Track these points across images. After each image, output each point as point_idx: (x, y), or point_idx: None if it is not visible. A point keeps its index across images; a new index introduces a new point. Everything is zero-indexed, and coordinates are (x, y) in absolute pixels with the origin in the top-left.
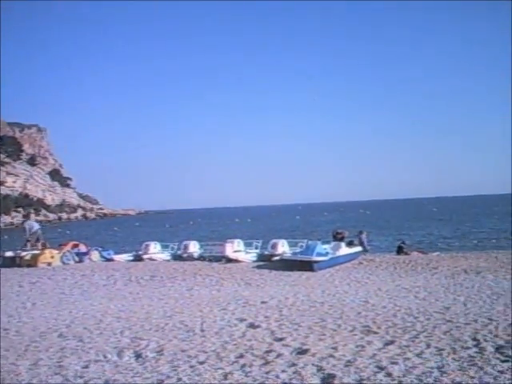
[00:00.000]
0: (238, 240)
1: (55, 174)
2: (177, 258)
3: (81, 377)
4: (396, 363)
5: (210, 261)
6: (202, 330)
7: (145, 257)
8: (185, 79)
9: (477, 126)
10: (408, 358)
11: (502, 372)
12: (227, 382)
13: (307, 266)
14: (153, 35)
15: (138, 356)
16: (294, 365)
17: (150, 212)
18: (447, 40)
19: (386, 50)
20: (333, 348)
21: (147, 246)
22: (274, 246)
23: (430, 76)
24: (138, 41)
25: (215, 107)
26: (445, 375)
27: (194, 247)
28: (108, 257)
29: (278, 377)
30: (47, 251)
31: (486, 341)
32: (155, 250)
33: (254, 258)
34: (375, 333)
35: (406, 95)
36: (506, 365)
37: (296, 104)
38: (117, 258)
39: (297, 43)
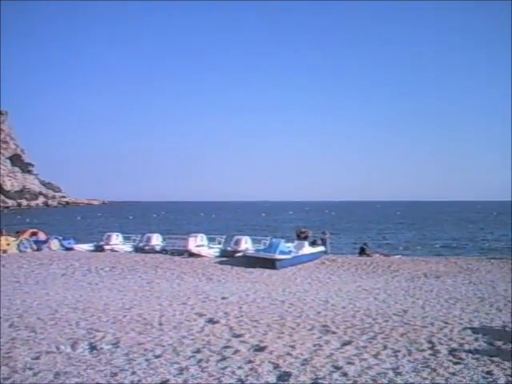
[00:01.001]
0: (202, 235)
1: (16, 160)
2: (139, 250)
3: (30, 368)
4: (352, 363)
5: (172, 254)
6: (160, 324)
7: (106, 247)
8: (144, 59)
9: (453, 129)
10: (364, 359)
11: (453, 374)
12: (182, 376)
13: (269, 264)
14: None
15: (92, 348)
16: (250, 362)
17: (114, 203)
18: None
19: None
20: (290, 346)
21: (109, 236)
22: (237, 243)
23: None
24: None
25: (186, 96)
26: (399, 376)
27: (157, 240)
28: (68, 246)
29: (234, 373)
30: (3, 238)
31: (440, 344)
32: (117, 241)
33: (217, 254)
34: (333, 333)
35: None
36: (457, 367)
37: (269, 100)
38: (77, 247)
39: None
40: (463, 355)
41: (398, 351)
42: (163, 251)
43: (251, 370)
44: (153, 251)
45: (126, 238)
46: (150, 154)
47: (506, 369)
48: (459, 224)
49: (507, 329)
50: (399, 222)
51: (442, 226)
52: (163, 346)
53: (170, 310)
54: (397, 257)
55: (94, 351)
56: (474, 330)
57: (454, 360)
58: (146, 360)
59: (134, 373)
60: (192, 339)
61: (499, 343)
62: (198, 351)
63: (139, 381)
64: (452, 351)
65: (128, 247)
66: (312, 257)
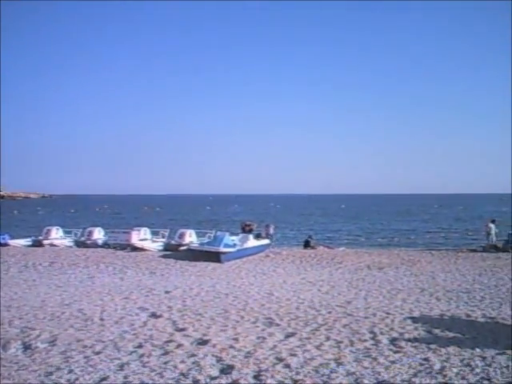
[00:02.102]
0: (145, 228)
1: None
2: (80, 244)
3: None
4: (295, 355)
5: (115, 248)
6: (101, 319)
7: (45, 242)
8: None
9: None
10: (307, 350)
11: (393, 362)
12: (123, 372)
13: (214, 257)
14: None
15: (26, 347)
16: (193, 355)
17: (54, 196)
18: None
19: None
20: (234, 339)
21: (48, 231)
22: (182, 236)
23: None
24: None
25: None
26: (341, 366)
27: (99, 234)
28: (2, 241)
29: (176, 367)
30: None
31: (382, 333)
32: (57, 235)
33: (161, 247)
34: (277, 325)
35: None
36: (397, 355)
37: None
38: (13, 242)
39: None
40: (403, 344)
41: (341, 342)
42: (105, 245)
43: (194, 363)
44: (95, 245)
45: (67, 233)
46: (92, 145)
47: (441, 355)
48: (402, 216)
49: (445, 317)
50: (343, 214)
51: (386, 219)
52: (103, 342)
53: (111, 304)
54: (340, 249)
55: (28, 351)
56: (414, 320)
57: (395, 349)
58: (85, 357)
59: (71, 371)
60: (134, 334)
61: (437, 331)
62: (140, 346)
63: (76, 379)
64: (393, 340)
65: (69, 242)
66: (257, 250)
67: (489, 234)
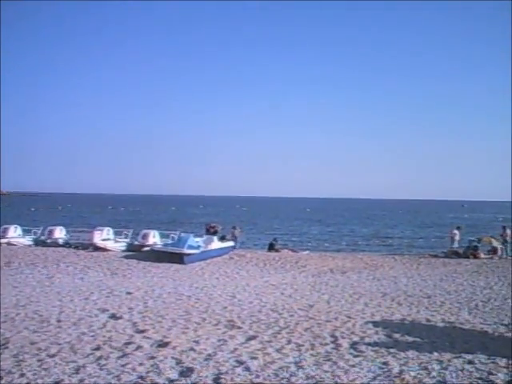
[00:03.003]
0: (108, 228)
1: None
2: (40, 243)
3: None
4: (255, 358)
5: (77, 248)
6: (59, 321)
7: (2, 241)
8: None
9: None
10: (268, 353)
11: (353, 366)
12: (78, 376)
13: (178, 258)
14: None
15: None
16: (152, 358)
17: (13, 194)
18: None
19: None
20: (195, 341)
21: (6, 229)
22: (145, 237)
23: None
24: None
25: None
26: (301, 370)
27: (60, 233)
28: None
29: (134, 370)
30: None
31: (342, 337)
32: (15, 234)
33: (124, 248)
34: (239, 328)
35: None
36: (357, 359)
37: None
38: None
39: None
40: (363, 348)
41: (302, 345)
42: (67, 245)
43: (153, 366)
44: (55, 245)
45: (26, 231)
46: (53, 142)
47: (400, 359)
48: (366, 221)
49: (405, 321)
50: (309, 218)
51: (352, 223)
52: (59, 344)
53: (70, 305)
54: (305, 252)
55: None
56: (375, 324)
57: (355, 353)
58: (39, 360)
59: (22, 375)
60: (92, 336)
61: (397, 335)
62: (98, 348)
63: (28, 383)
64: (353, 344)
65: (27, 240)
66: (221, 252)
67: (453, 239)
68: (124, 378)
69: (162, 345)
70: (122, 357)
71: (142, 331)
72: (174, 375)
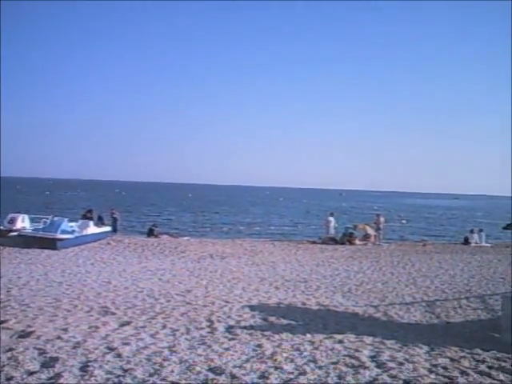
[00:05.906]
0: None
1: None
2: None
3: None
4: (128, 344)
5: None
6: None
7: None
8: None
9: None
10: (141, 339)
11: (227, 349)
12: None
13: (50, 244)
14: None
15: None
16: (10, 349)
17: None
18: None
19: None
20: (63, 329)
21: None
22: (13, 221)
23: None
24: None
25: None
26: (174, 354)
27: None
28: None
29: None
30: None
31: (219, 322)
32: None
33: None
34: (113, 314)
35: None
36: (232, 342)
37: None
38: None
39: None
40: (238, 331)
41: (177, 330)
42: None
43: (10, 358)
44: None
45: None
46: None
47: (274, 341)
48: (249, 208)
49: (282, 305)
50: (190, 205)
51: (232, 211)
52: None
53: None
54: (185, 238)
55: None
56: (252, 308)
57: (230, 336)
58: None
59: None
60: None
61: (273, 318)
62: None
63: None
64: (229, 328)
65: None
66: (97, 237)
67: (328, 226)
68: None
69: (24, 335)
70: None
71: (2, 322)
72: (34, 367)
